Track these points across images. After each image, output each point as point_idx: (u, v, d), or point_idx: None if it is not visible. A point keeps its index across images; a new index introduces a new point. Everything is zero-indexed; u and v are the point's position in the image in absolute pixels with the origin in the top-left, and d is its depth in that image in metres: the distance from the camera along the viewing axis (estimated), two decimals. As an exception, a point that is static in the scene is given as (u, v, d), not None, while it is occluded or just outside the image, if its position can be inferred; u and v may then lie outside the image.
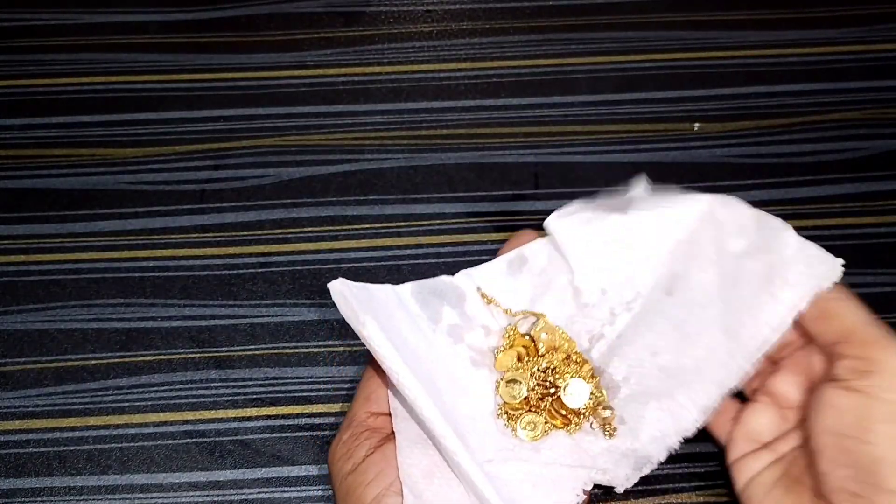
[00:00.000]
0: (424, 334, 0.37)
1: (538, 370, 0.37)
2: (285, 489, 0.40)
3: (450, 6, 0.54)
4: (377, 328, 0.33)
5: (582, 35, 0.53)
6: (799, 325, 0.34)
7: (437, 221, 0.46)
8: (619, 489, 0.35)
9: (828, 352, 0.33)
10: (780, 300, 0.35)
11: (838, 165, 0.48)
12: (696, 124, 0.49)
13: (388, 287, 0.37)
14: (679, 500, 0.40)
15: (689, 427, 0.35)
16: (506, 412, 0.37)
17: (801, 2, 0.54)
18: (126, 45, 0.52)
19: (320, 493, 0.40)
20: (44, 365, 0.43)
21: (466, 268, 0.40)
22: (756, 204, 0.47)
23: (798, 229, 0.47)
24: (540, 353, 0.38)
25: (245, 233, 0.46)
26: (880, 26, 0.53)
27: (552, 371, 0.37)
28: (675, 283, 0.38)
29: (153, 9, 0.53)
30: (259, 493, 0.40)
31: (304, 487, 0.40)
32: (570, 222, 0.39)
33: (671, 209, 0.39)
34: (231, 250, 0.46)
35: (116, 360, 0.43)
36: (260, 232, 0.46)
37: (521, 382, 0.37)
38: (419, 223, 0.47)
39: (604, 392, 0.37)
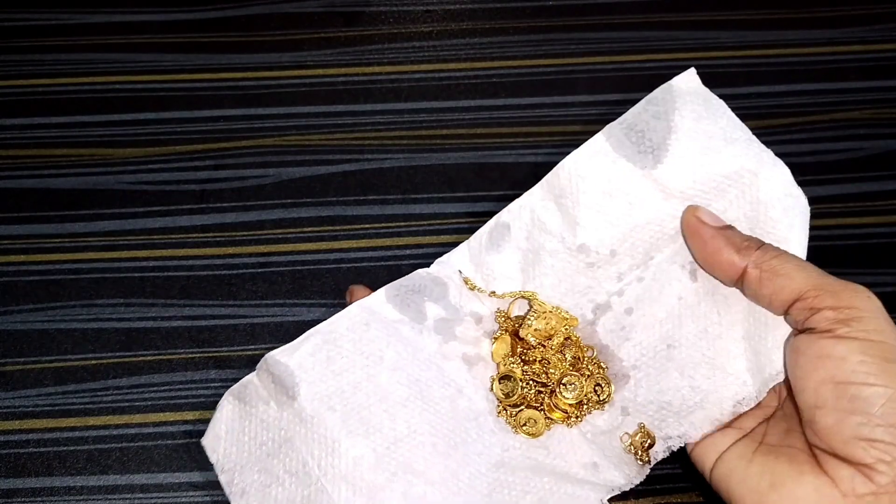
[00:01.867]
0: (409, 340, 0.35)
1: (529, 366, 0.36)
2: (285, 489, 0.40)
3: (450, 6, 0.54)
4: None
5: (582, 35, 0.53)
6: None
7: (437, 221, 0.46)
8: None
9: (789, 310, 0.32)
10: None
11: (838, 165, 0.48)
12: (697, 124, 0.49)
13: (353, 309, 0.35)
14: (679, 500, 0.40)
15: (693, 437, 0.34)
16: (504, 408, 0.36)
17: (801, 2, 0.54)
18: (126, 45, 0.52)
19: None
20: (44, 365, 0.42)
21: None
22: (756, 204, 0.47)
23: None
24: (531, 346, 0.36)
25: (245, 233, 0.46)
26: (880, 26, 0.53)
27: (545, 363, 0.36)
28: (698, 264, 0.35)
29: (153, 9, 0.53)
30: (259, 493, 0.40)
31: (304, 487, 0.40)
32: (586, 163, 0.36)
33: (705, 166, 0.36)
34: (231, 250, 0.46)
35: (116, 360, 0.43)
36: (260, 232, 0.46)
37: (513, 379, 0.35)
38: (419, 223, 0.47)
39: (611, 385, 0.35)
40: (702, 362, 0.34)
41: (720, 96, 0.51)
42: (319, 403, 0.34)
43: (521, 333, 0.36)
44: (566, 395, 0.35)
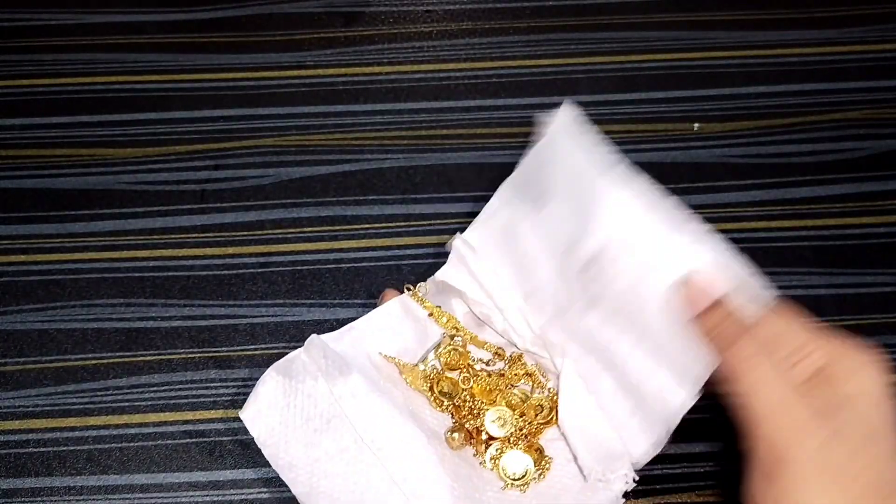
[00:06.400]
0: (435, 335, 0.38)
1: (458, 412, 0.37)
2: (285, 489, 0.40)
3: (450, 6, 0.54)
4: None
5: (582, 35, 0.53)
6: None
7: (437, 221, 0.46)
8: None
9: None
10: None
11: (838, 165, 0.48)
12: (696, 124, 0.49)
13: (392, 305, 0.38)
14: (679, 500, 0.40)
15: (639, 459, 0.35)
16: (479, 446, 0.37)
17: (801, 2, 0.54)
18: (126, 45, 0.52)
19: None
20: (44, 365, 0.43)
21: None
22: (756, 204, 0.47)
23: (798, 229, 0.47)
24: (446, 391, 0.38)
25: (245, 233, 0.46)
26: (880, 26, 0.53)
27: (465, 402, 0.37)
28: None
29: (153, 9, 0.53)
30: (259, 493, 0.40)
31: (303, 487, 0.40)
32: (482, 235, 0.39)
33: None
34: (231, 250, 0.46)
35: (116, 360, 0.43)
36: (260, 232, 0.46)
37: (460, 433, 0.37)
38: (419, 223, 0.47)
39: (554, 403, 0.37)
40: (632, 385, 0.35)
41: (720, 96, 0.51)
42: (371, 385, 0.35)
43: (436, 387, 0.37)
44: (494, 433, 0.36)
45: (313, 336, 0.36)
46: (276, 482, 0.40)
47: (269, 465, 0.40)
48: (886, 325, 0.44)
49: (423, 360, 0.38)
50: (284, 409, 0.35)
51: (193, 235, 0.46)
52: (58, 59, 0.51)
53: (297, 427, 0.35)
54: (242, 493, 0.40)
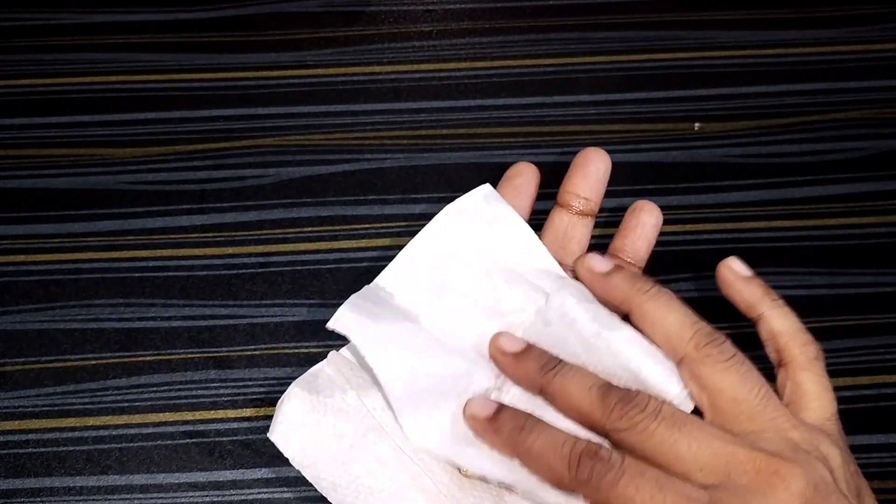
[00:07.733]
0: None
1: None
2: (285, 489, 0.40)
3: (450, 6, 0.54)
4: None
5: (582, 35, 0.53)
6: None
7: (437, 221, 0.46)
8: None
9: None
10: None
11: (838, 165, 0.48)
12: (697, 124, 0.49)
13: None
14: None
15: None
16: None
17: (801, 2, 0.54)
18: (126, 45, 0.52)
19: (320, 493, 0.40)
20: (43, 365, 0.42)
21: None
22: (756, 204, 0.47)
23: (798, 229, 0.47)
24: None
25: (245, 233, 0.46)
26: (880, 26, 0.53)
27: None
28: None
29: (153, 9, 0.53)
30: (259, 493, 0.40)
31: (303, 487, 0.40)
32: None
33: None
34: (231, 250, 0.46)
35: (116, 360, 0.43)
36: (260, 232, 0.46)
37: None
38: (419, 223, 0.46)
39: None
40: None
41: (720, 96, 0.51)
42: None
43: None
44: None
45: (332, 353, 0.35)
46: (276, 482, 0.40)
47: (269, 466, 0.40)
48: (886, 325, 0.44)
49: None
50: (315, 426, 0.33)
51: (193, 235, 0.46)
52: (58, 59, 0.51)
53: (332, 444, 0.33)
54: (242, 493, 0.40)
